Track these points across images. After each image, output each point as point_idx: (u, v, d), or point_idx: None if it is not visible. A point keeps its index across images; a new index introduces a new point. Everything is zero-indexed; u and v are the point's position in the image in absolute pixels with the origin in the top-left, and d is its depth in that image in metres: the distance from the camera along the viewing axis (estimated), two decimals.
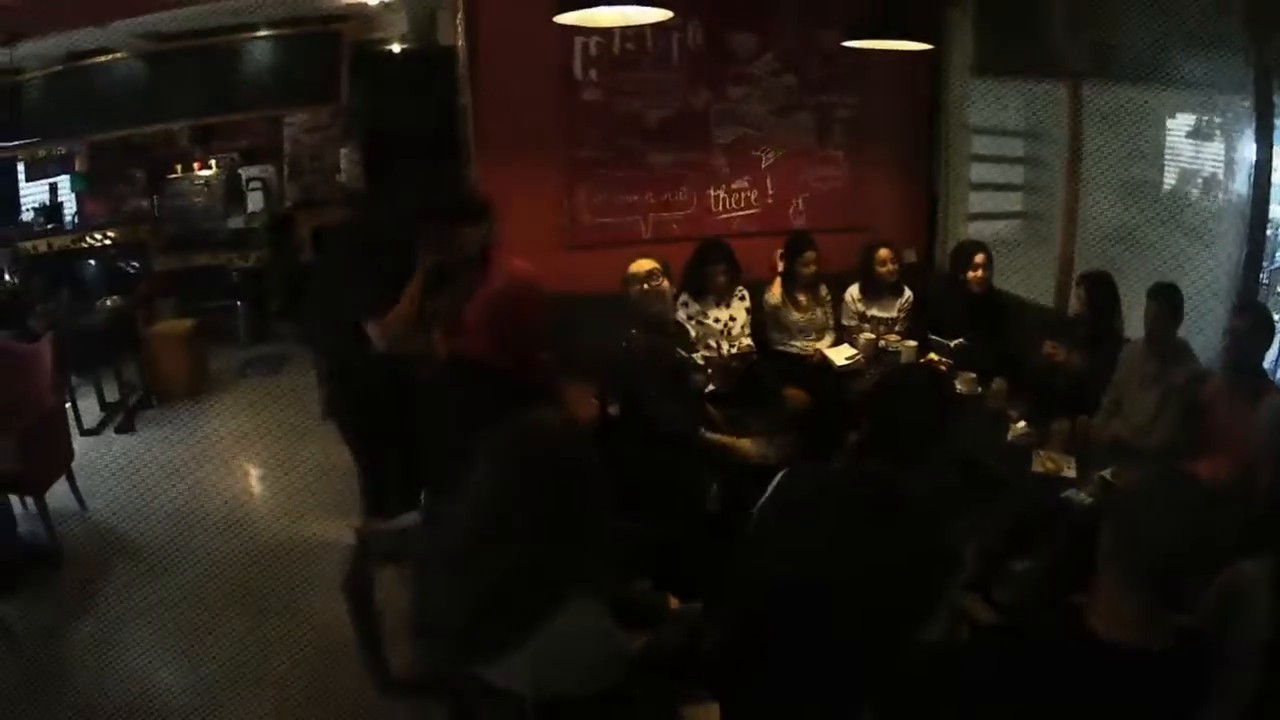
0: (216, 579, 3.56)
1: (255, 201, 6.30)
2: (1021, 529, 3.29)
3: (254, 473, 4.75)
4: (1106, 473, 3.09)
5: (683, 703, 2.26)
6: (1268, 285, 5.87)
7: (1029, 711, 1.38)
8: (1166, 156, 5.56)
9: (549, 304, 3.49)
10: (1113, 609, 1.37)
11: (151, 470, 4.24)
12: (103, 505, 4.16)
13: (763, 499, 3.32)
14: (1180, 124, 5.63)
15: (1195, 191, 5.71)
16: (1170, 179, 5.60)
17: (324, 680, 2.91)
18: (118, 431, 5.09)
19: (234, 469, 4.74)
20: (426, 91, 5.00)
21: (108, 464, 4.40)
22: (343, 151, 5.86)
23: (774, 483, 3.41)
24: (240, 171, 6.39)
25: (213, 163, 6.43)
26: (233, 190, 6.38)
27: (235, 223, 6.31)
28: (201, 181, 6.45)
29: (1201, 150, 5.64)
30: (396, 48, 5.75)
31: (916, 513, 2.41)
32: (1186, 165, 5.59)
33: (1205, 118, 5.58)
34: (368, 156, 5.38)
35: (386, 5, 5.78)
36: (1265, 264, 5.83)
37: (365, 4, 5.81)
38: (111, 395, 5.28)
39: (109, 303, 5.28)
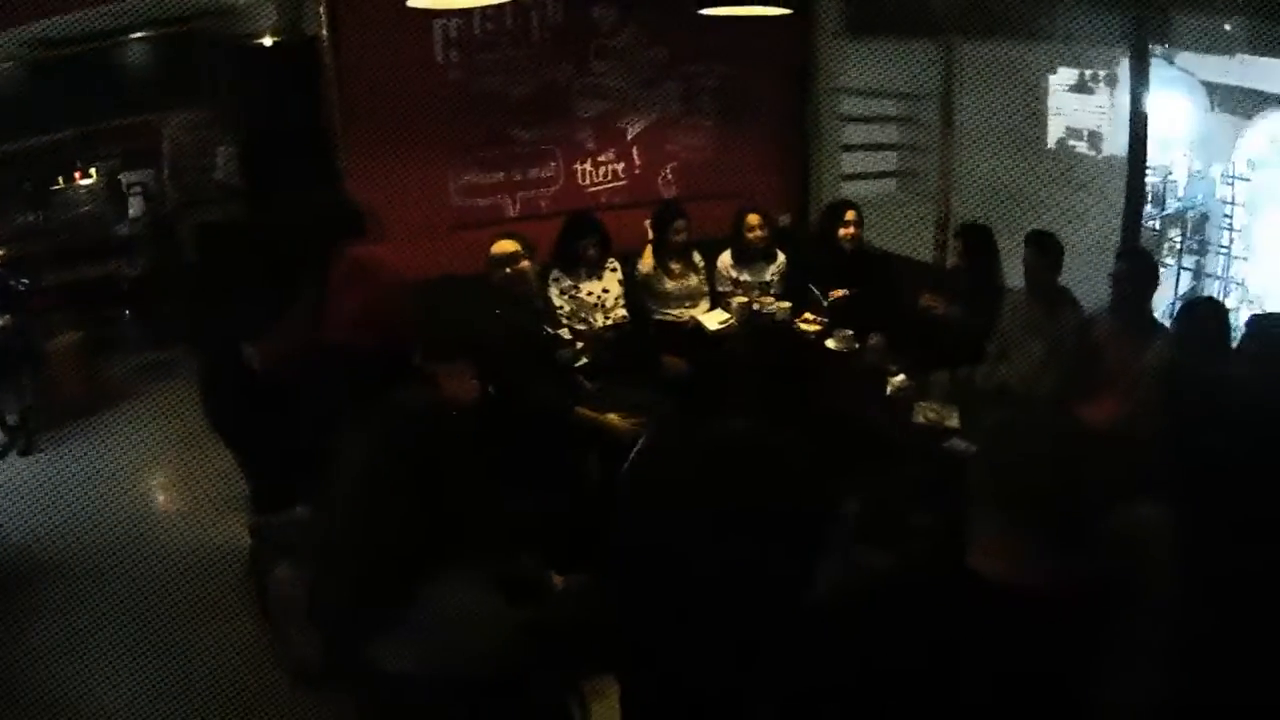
0: (142, 592, 3.47)
1: (137, 207, 6.16)
2: (919, 482, 3.33)
3: (163, 481, 4.69)
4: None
5: (582, 679, 2.26)
6: (1159, 232, 6.01)
7: (920, 660, 1.32)
8: (1050, 111, 5.66)
9: (404, 287, 3.53)
10: (993, 551, 1.33)
11: (59, 489, 4.10)
12: (14, 530, 4.06)
13: (625, 466, 3.32)
14: (1063, 79, 5.73)
15: (1081, 145, 5.82)
16: (1055, 133, 5.70)
17: (262, 683, 2.89)
18: (21, 454, 4.96)
19: (142, 480, 4.67)
20: (295, 84, 4.91)
21: (17, 487, 4.31)
22: (220, 149, 5.73)
23: (635, 449, 3.43)
24: (121, 177, 6.24)
25: (94, 171, 6.27)
26: (115, 197, 6.23)
27: (120, 230, 6.16)
28: (85, 190, 6.28)
29: (1085, 104, 5.75)
30: (267, 41, 5.62)
31: (782, 471, 2.41)
32: (1071, 119, 5.69)
33: (1088, 71, 5.68)
34: (243, 153, 5.26)
35: None
36: (1156, 211, 5.97)
37: None
38: (12, 417, 5.14)
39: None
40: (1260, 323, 3.03)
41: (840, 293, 4.07)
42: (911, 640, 1.33)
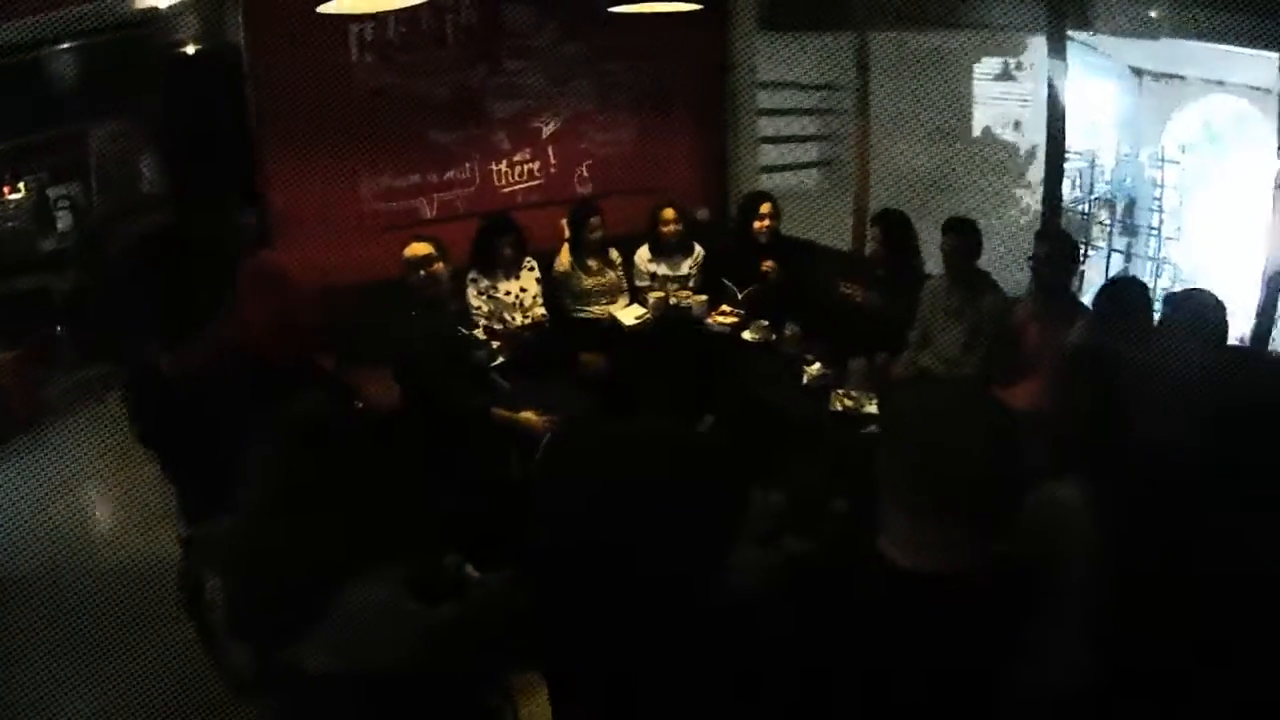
0: (78, 609, 3.43)
1: (65, 220, 6.09)
2: (840, 470, 3.35)
3: (104, 496, 4.62)
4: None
5: (511, 677, 2.26)
6: (1088, 215, 6.09)
7: (829, 649, 1.30)
8: (975, 99, 5.72)
9: (312, 295, 3.53)
10: (901, 534, 1.31)
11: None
12: None
13: (534, 462, 3.32)
14: (987, 68, 5.79)
15: (1007, 132, 5.89)
16: (981, 121, 5.76)
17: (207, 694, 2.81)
18: None
19: (83, 496, 4.59)
20: (216, 91, 4.89)
21: None
22: (145, 160, 5.68)
23: (541, 445, 3.43)
24: (49, 191, 6.16)
25: (22, 185, 6.19)
26: (44, 211, 6.15)
27: (48, 244, 6.09)
28: (13, 205, 6.20)
29: (1010, 92, 5.82)
30: (191, 49, 5.58)
31: (686, 464, 2.41)
32: (996, 107, 5.76)
33: (1011, 60, 5.75)
34: (167, 162, 5.23)
35: (179, 6, 5.61)
36: (1085, 194, 6.06)
37: (157, 7, 5.64)
38: None
39: None
40: (1177, 300, 3.00)
41: (767, 269, 4.06)
42: (820, 628, 1.31)
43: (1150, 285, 5.71)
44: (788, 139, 4.79)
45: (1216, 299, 2.70)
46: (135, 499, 4.26)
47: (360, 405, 2.90)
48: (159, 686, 2.90)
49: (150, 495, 4.15)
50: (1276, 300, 3.66)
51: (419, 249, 3.55)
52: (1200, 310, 2.69)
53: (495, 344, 3.85)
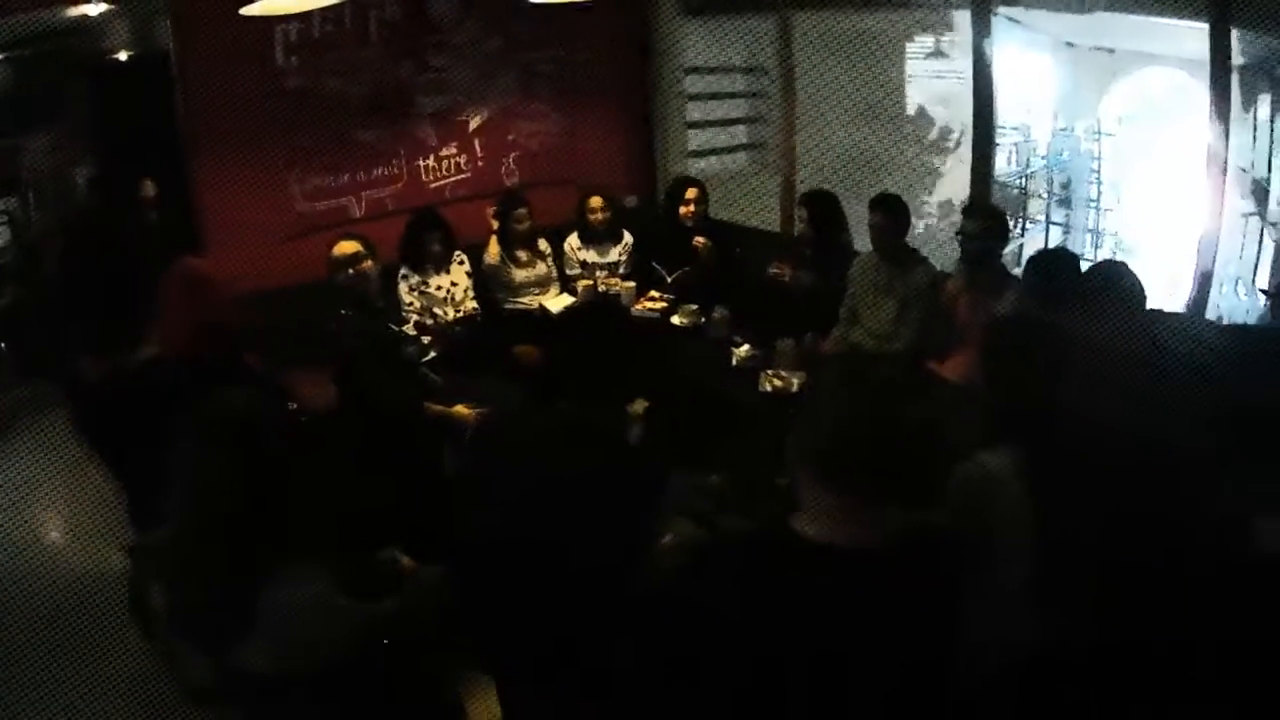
0: (31, 625, 3.39)
1: (3, 236, 6.02)
2: (773, 450, 3.37)
3: (56, 512, 4.56)
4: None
5: (456, 674, 2.29)
6: (1024, 189, 6.16)
7: (749, 626, 1.28)
8: (907, 77, 5.76)
9: (236, 298, 3.53)
10: (813, 508, 1.31)
11: None
12: None
13: (461, 455, 3.32)
14: (919, 46, 5.84)
15: (940, 109, 5.94)
16: (914, 99, 5.81)
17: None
18: None
19: (35, 514, 4.50)
20: (146, 98, 4.87)
21: None
22: (78, 171, 5.63)
23: (466, 437, 3.43)
24: None
25: None
26: None
27: None
28: None
29: (942, 69, 5.87)
30: (122, 56, 5.55)
31: (604, 450, 2.43)
32: (927, 84, 5.81)
33: (944, 37, 5.79)
34: (97, 172, 5.20)
35: (108, 14, 5.57)
36: (1021, 169, 6.12)
37: (88, 15, 5.60)
38: None
39: None
40: (1102, 270, 3.03)
41: (699, 246, 4.08)
42: (736, 608, 1.29)
43: (1085, 256, 5.82)
44: (716, 123, 4.82)
45: (1128, 269, 2.74)
46: (80, 514, 4.24)
47: (293, 406, 2.91)
48: (111, 698, 2.85)
49: (97, 510, 4.17)
50: (1209, 267, 3.72)
51: (346, 247, 3.54)
52: (1114, 280, 2.73)
53: (426, 339, 3.86)
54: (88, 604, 3.43)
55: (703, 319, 3.94)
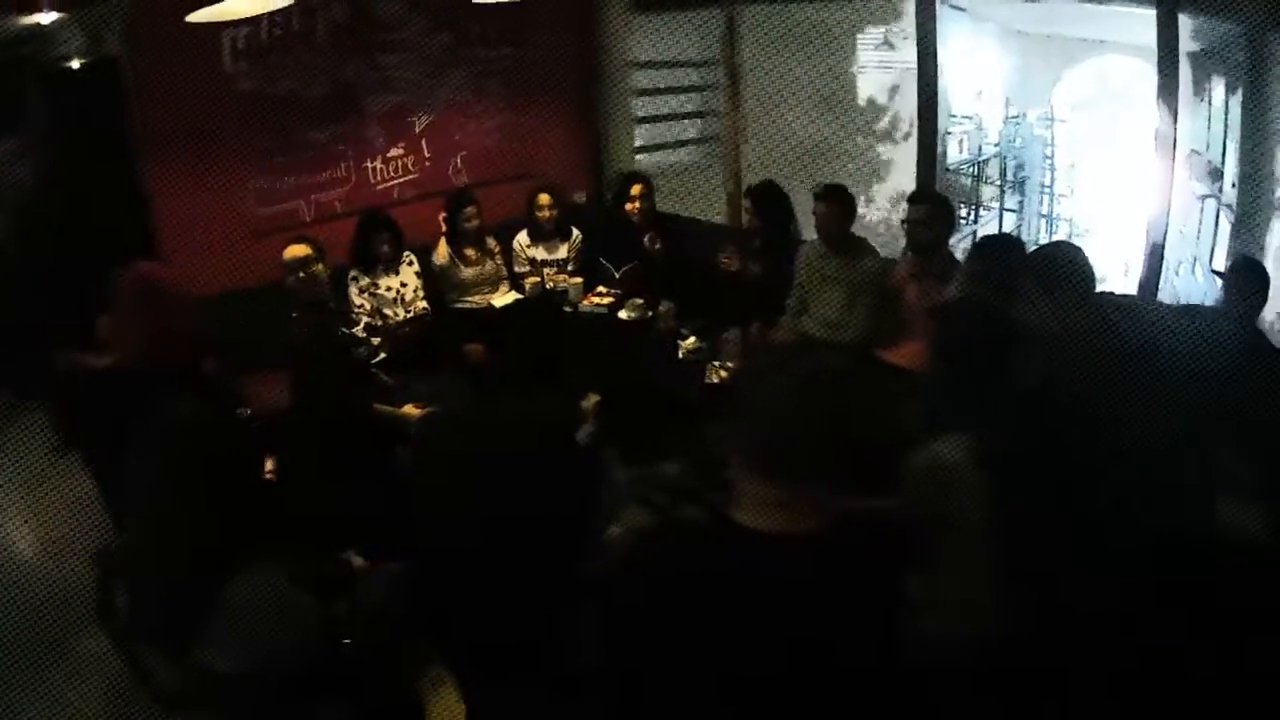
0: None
1: None
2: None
3: (19, 526, 4.56)
4: None
5: (419, 672, 2.30)
6: (976, 176, 6.22)
7: (691, 617, 1.27)
8: (857, 68, 5.80)
9: (192, 302, 3.54)
10: (748, 498, 1.30)
11: None
12: None
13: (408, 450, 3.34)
14: (870, 37, 5.88)
15: (890, 99, 5.99)
16: (864, 90, 5.85)
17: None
18: None
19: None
20: (98, 105, 4.87)
21: None
22: (39, 179, 5.62)
23: (413, 433, 3.46)
24: None
25: None
26: None
27: None
28: None
29: (893, 59, 5.91)
30: (75, 63, 5.53)
31: (548, 441, 2.46)
32: (879, 75, 5.85)
33: (893, 27, 5.84)
34: (50, 179, 5.19)
35: (61, 22, 5.55)
36: (974, 156, 6.18)
37: (40, 23, 5.58)
38: None
39: None
40: (1048, 252, 2.96)
41: (649, 241, 4.12)
42: (679, 597, 1.29)
43: (1040, 242, 5.88)
44: (665, 118, 4.85)
45: (1079, 250, 2.69)
46: (55, 525, 4.23)
47: (245, 411, 2.95)
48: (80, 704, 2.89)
49: (68, 518, 4.18)
50: (1160, 250, 3.79)
51: (297, 251, 3.60)
52: (1061, 261, 2.65)
53: (376, 340, 3.89)
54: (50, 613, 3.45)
55: (649, 313, 3.98)
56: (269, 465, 2.54)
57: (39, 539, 4.29)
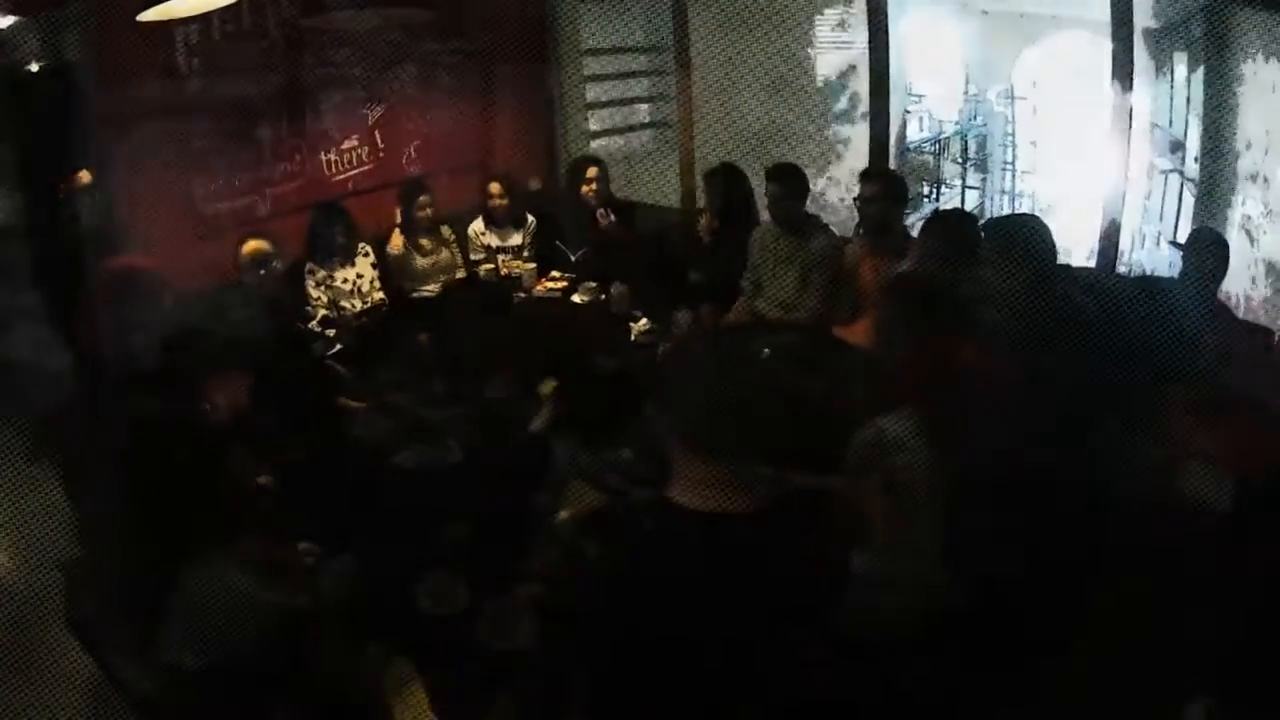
0: None
1: None
2: None
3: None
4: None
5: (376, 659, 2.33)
6: (937, 154, 6.27)
7: (634, 596, 1.29)
8: (813, 49, 5.84)
9: (155, 296, 3.56)
10: (685, 477, 1.32)
11: None
12: None
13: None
14: (827, 19, 5.92)
15: (847, 79, 6.03)
16: (821, 72, 5.89)
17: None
18: None
19: None
20: (57, 108, 4.89)
21: None
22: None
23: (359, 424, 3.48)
24: None
25: None
26: None
27: None
28: None
29: (849, 40, 5.95)
30: (34, 67, 5.54)
31: (492, 427, 2.50)
32: (835, 57, 5.89)
33: (848, 8, 5.87)
34: (16, 184, 5.19)
35: (17, 26, 5.56)
36: (934, 134, 6.23)
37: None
38: None
39: None
40: (1002, 225, 3.05)
41: (603, 222, 4.14)
42: (624, 578, 1.32)
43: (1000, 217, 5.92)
44: (617, 103, 4.88)
45: (1038, 220, 2.74)
46: (22, 537, 4.26)
47: (206, 406, 2.97)
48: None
49: (37, 530, 4.18)
50: (1116, 224, 3.82)
51: (254, 246, 3.64)
52: (1016, 235, 2.70)
53: (332, 333, 3.92)
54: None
55: (603, 295, 4.01)
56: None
57: (15, 547, 4.31)
